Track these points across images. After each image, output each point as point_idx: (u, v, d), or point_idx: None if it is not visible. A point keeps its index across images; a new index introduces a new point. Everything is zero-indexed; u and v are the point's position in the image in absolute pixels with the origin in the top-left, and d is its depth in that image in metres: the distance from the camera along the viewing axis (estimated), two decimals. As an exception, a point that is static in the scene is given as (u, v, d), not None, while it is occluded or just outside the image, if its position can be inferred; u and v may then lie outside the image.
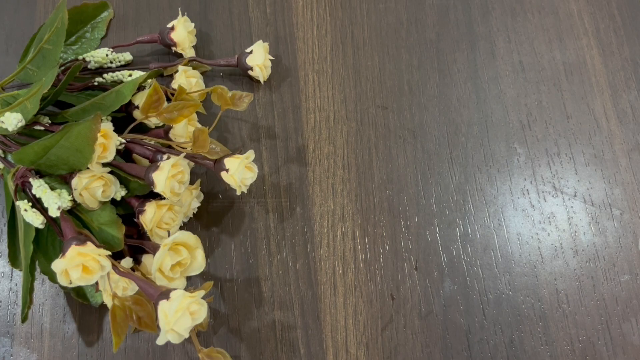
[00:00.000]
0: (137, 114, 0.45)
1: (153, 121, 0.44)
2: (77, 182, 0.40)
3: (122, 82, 0.47)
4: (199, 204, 0.45)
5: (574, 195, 0.46)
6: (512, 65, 0.50)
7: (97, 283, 0.40)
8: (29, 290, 0.41)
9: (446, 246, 0.45)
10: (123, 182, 0.42)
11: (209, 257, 0.45)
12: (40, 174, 0.42)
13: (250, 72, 0.48)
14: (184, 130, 0.43)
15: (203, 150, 0.40)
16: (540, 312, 0.43)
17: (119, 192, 0.41)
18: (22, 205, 0.40)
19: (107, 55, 0.48)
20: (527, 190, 0.46)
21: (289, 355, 0.42)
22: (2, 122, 0.40)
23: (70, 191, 0.41)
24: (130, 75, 0.47)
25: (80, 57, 0.48)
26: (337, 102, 0.49)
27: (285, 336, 0.43)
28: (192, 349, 0.42)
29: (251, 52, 0.48)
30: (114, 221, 0.41)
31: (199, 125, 0.45)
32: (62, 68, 0.47)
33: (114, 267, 0.38)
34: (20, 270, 0.43)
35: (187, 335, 0.35)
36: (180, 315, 0.35)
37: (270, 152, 0.48)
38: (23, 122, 0.41)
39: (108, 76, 0.47)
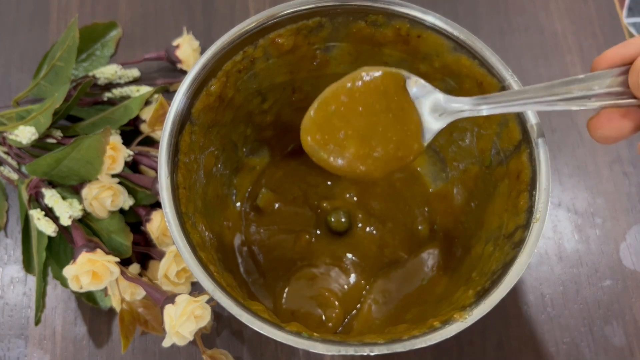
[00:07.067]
0: (144, 127, 0.45)
1: (159, 134, 0.45)
2: (87, 192, 0.41)
3: (130, 97, 0.47)
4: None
5: (559, 204, 0.47)
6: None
7: (106, 288, 0.40)
8: (42, 295, 0.43)
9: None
10: (131, 192, 0.43)
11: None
12: (52, 185, 0.42)
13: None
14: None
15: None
16: (527, 315, 0.44)
17: (127, 202, 0.42)
18: (36, 214, 0.41)
19: (116, 71, 0.48)
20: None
21: (288, 356, 0.43)
22: (17, 135, 0.41)
23: (80, 201, 0.41)
24: (137, 91, 0.47)
25: (90, 74, 0.48)
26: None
27: (284, 338, 0.43)
28: (196, 350, 0.43)
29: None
30: (122, 229, 0.42)
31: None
32: (74, 84, 0.47)
33: (123, 273, 0.39)
34: (34, 275, 0.44)
35: (191, 338, 0.36)
36: (185, 318, 0.36)
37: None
38: (36, 135, 0.42)
39: (117, 91, 0.47)
